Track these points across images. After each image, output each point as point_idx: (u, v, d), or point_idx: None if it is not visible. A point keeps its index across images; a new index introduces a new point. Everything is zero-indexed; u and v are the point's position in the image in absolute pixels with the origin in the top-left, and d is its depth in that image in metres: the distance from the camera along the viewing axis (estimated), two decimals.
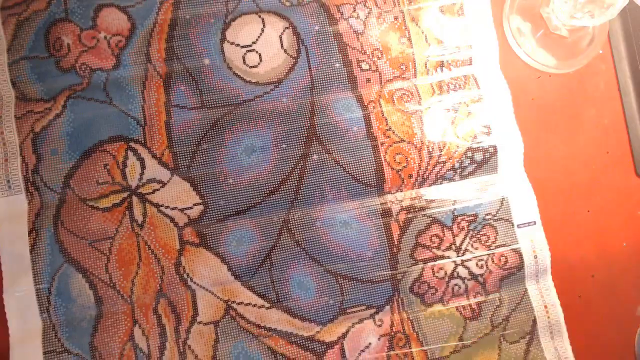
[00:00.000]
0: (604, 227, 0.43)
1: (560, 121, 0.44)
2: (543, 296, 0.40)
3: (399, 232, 0.40)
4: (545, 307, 0.40)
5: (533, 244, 0.41)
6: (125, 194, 0.38)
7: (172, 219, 0.38)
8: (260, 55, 0.40)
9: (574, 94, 0.45)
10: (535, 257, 0.41)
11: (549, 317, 0.40)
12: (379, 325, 0.39)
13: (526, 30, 0.44)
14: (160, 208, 0.38)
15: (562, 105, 0.44)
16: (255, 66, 0.40)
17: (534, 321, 0.40)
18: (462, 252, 0.40)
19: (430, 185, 0.41)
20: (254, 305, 0.38)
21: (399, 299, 0.39)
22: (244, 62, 0.40)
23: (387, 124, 0.41)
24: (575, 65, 0.44)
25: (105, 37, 0.39)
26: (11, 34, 0.39)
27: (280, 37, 0.41)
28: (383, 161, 0.40)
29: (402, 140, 0.41)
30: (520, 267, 0.41)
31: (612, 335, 0.41)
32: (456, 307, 0.40)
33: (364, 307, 0.39)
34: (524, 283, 0.40)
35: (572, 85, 0.45)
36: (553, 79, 0.44)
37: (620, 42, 0.45)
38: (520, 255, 0.41)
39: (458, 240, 0.40)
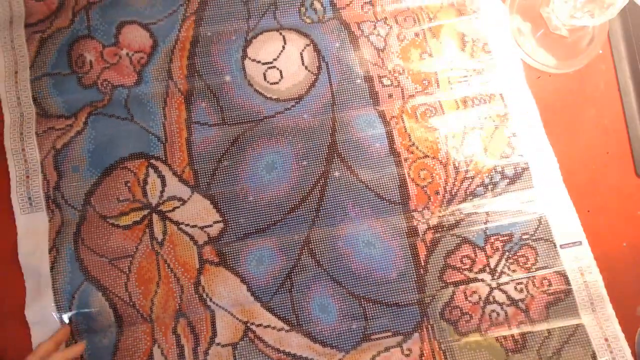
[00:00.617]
0: (604, 227, 0.42)
1: (560, 121, 0.43)
2: (602, 327, 0.38)
3: (425, 253, 0.38)
4: (607, 340, 0.37)
5: (580, 267, 0.39)
6: (145, 212, 0.38)
7: (192, 237, 0.38)
8: (281, 72, 0.40)
9: (574, 94, 0.44)
10: (585, 281, 0.38)
11: (611, 352, 0.37)
12: (407, 355, 0.37)
13: (526, 30, 0.44)
14: (181, 226, 0.38)
15: (562, 106, 0.43)
16: (276, 83, 0.40)
17: (594, 356, 0.37)
18: (497, 274, 0.38)
19: (460, 202, 0.39)
20: (274, 328, 0.37)
21: (429, 326, 0.37)
22: (265, 79, 0.40)
23: (410, 140, 0.40)
24: (575, 65, 0.44)
25: (127, 54, 0.39)
26: (34, 51, 0.39)
27: (301, 54, 0.40)
28: (407, 177, 0.39)
29: (427, 156, 0.40)
30: (568, 292, 0.38)
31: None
32: (496, 337, 0.37)
33: (390, 334, 0.37)
34: (577, 312, 0.38)
35: (572, 85, 0.44)
36: (553, 79, 0.44)
37: (620, 42, 0.45)
38: (566, 279, 0.38)
39: (492, 262, 0.39)
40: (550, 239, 0.39)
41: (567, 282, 0.39)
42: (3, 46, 0.39)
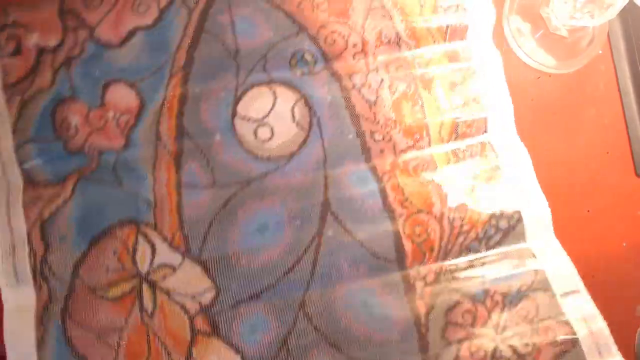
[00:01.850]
0: (604, 227, 0.41)
1: (560, 122, 0.43)
2: None
3: (425, 310, 0.37)
4: None
5: (583, 315, 0.38)
6: (135, 282, 0.37)
7: (183, 307, 0.36)
8: (272, 129, 0.40)
9: (574, 95, 0.44)
10: (591, 330, 0.37)
11: None
12: None
13: (526, 31, 0.44)
14: (171, 295, 0.36)
15: (561, 106, 0.43)
16: (267, 140, 0.39)
17: None
18: (501, 328, 0.37)
19: (454, 257, 0.39)
20: None
21: None
22: (256, 137, 0.39)
23: (404, 195, 0.39)
24: (575, 65, 0.43)
25: (114, 116, 0.39)
26: (16, 115, 0.38)
27: (292, 110, 0.40)
28: (402, 234, 0.38)
29: (421, 211, 0.39)
30: (575, 342, 0.37)
31: (612, 335, 0.38)
32: None
33: None
34: None
35: (571, 85, 0.44)
36: (553, 79, 0.44)
37: (620, 42, 0.45)
38: (571, 328, 0.37)
39: (494, 316, 0.37)
40: (549, 289, 0.38)
41: (572, 332, 0.37)
42: None
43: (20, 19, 0.38)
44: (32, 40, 0.38)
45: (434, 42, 0.42)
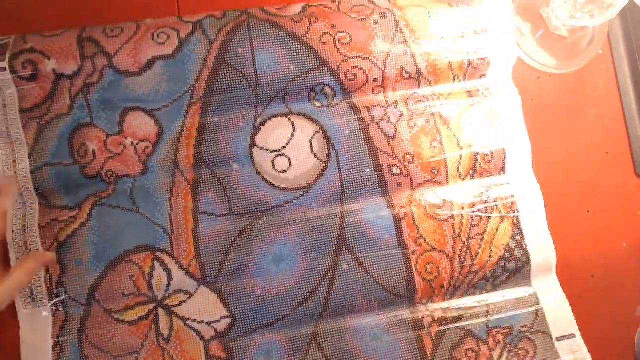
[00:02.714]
0: (604, 227, 0.42)
1: (560, 121, 0.43)
2: None
3: (432, 347, 0.39)
4: None
5: (576, 359, 0.40)
6: (151, 306, 0.37)
7: (198, 333, 0.37)
8: (290, 160, 0.40)
9: (574, 95, 0.45)
10: None
11: None
12: None
13: (526, 31, 0.44)
14: (187, 322, 0.37)
15: (562, 106, 0.44)
16: (285, 171, 0.39)
17: None
18: None
19: (462, 296, 0.40)
20: None
21: None
22: (274, 167, 0.39)
23: (418, 232, 0.40)
24: (575, 65, 0.44)
25: (132, 143, 0.38)
26: (33, 139, 0.37)
27: (311, 142, 0.40)
28: (414, 271, 0.39)
29: (434, 249, 0.40)
30: None
31: (612, 335, 0.40)
32: None
33: None
34: None
35: (572, 85, 0.45)
36: (553, 79, 0.44)
37: (620, 42, 0.45)
38: None
39: (495, 355, 0.39)
40: (547, 332, 0.40)
41: None
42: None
43: (38, 46, 0.37)
44: (50, 66, 0.37)
45: (455, 79, 0.42)
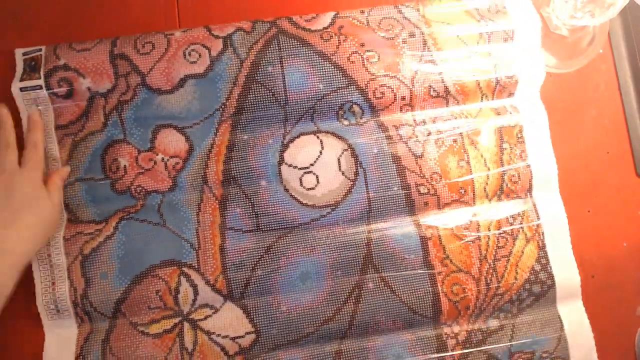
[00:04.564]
0: (604, 227, 0.42)
1: (560, 121, 0.43)
2: None
3: None
4: None
5: None
6: (176, 320, 0.37)
7: (222, 348, 0.37)
8: (317, 177, 0.40)
9: (574, 94, 0.44)
10: None
11: None
12: None
13: None
14: (212, 336, 0.37)
15: (562, 105, 0.44)
16: (313, 188, 0.39)
17: None
18: None
19: (487, 317, 0.40)
20: None
21: None
22: (301, 184, 0.39)
23: (444, 253, 0.40)
24: (575, 65, 0.44)
25: (162, 159, 0.38)
26: (67, 155, 0.38)
27: (339, 159, 0.40)
28: (440, 292, 0.39)
29: (460, 270, 0.39)
30: None
31: (612, 335, 0.40)
32: None
33: None
34: None
35: (572, 85, 0.44)
36: (553, 79, 0.44)
37: (621, 41, 0.45)
38: None
39: None
40: (567, 358, 0.40)
41: None
42: None
43: (71, 62, 0.37)
44: (85, 84, 0.37)
45: (483, 97, 0.42)
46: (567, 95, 0.42)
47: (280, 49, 0.39)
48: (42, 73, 0.37)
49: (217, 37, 0.39)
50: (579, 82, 0.44)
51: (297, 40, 0.40)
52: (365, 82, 0.40)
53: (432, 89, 0.41)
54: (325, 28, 0.40)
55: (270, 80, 0.39)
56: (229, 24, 0.40)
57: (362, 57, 0.40)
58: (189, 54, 0.38)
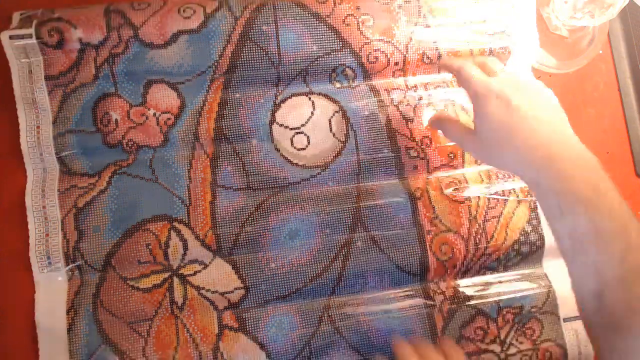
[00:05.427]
0: None
1: None
2: None
3: (442, 324, 0.39)
4: None
5: (578, 339, 0.40)
6: (166, 275, 0.38)
7: (212, 302, 0.38)
8: (308, 138, 0.40)
9: (574, 94, 0.45)
10: (580, 352, 0.40)
11: None
12: None
13: None
14: (201, 291, 0.38)
15: (562, 106, 0.43)
16: (303, 149, 0.40)
17: None
18: (506, 346, 0.40)
19: (474, 275, 0.40)
20: None
21: None
22: (292, 145, 0.40)
23: (434, 212, 0.40)
24: (575, 65, 0.44)
25: (154, 115, 0.39)
26: (57, 106, 0.38)
27: (330, 121, 0.40)
28: (428, 251, 0.40)
29: (449, 230, 0.40)
30: None
31: None
32: None
33: None
34: None
35: (572, 85, 0.45)
36: (553, 79, 0.44)
37: (621, 42, 0.45)
38: (565, 351, 0.40)
39: (503, 334, 0.40)
40: (556, 313, 0.41)
41: (565, 354, 0.40)
42: (24, 99, 0.38)
43: (64, 15, 0.37)
44: (76, 34, 0.37)
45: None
46: (566, 96, 0.43)
47: (276, 8, 0.39)
48: (34, 24, 0.36)
49: None
50: (579, 83, 0.44)
51: (293, 2, 0.40)
52: (360, 46, 0.40)
53: (425, 56, 0.41)
54: None
55: (264, 39, 0.39)
56: None
57: (357, 20, 0.40)
58: (184, 11, 0.38)
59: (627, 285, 0.27)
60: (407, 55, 0.41)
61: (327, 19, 0.40)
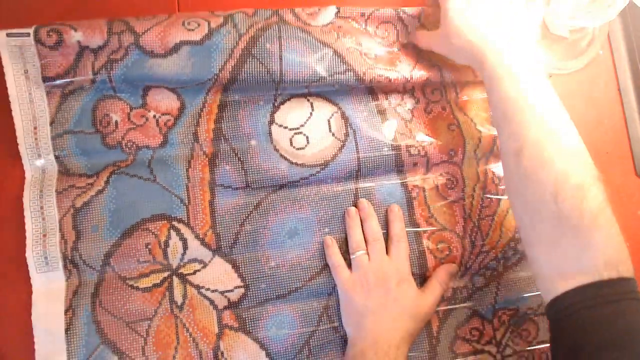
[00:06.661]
0: None
1: None
2: None
3: (438, 324, 0.40)
4: None
5: None
6: (165, 274, 0.38)
7: (212, 302, 0.38)
8: (307, 137, 0.40)
9: (574, 95, 0.45)
10: None
11: None
12: None
13: None
14: (201, 290, 0.38)
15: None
16: (302, 148, 0.40)
17: None
18: (502, 347, 0.40)
19: (472, 275, 0.41)
20: None
21: None
22: (291, 144, 0.40)
23: (429, 212, 0.41)
24: (575, 65, 0.44)
25: (154, 116, 0.39)
26: (55, 107, 0.38)
27: (329, 121, 0.41)
28: (425, 249, 0.40)
29: (445, 229, 0.41)
30: None
31: None
32: None
33: None
34: None
35: (572, 85, 0.45)
36: (553, 79, 0.44)
37: (620, 42, 0.46)
38: None
39: (498, 335, 0.40)
40: None
41: None
42: (20, 99, 0.37)
43: (66, 20, 0.37)
44: (75, 37, 0.36)
45: (475, 72, 0.42)
46: (566, 96, 0.42)
47: (280, 30, 0.38)
48: (33, 26, 0.36)
49: (218, 15, 0.38)
50: (579, 83, 0.44)
51: (298, 27, 0.39)
52: (364, 71, 0.39)
53: (429, 80, 0.41)
54: (324, 25, 0.40)
55: (267, 56, 0.38)
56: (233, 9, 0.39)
57: (360, 52, 0.39)
58: (188, 23, 0.37)
59: (542, 144, 0.32)
60: (412, 80, 0.40)
61: (331, 44, 0.39)
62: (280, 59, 0.38)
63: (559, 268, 0.30)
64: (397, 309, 0.36)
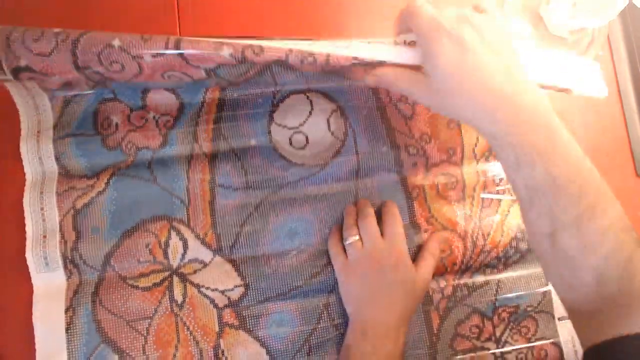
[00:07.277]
0: None
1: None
2: None
3: (438, 321, 0.40)
4: None
5: (573, 338, 0.41)
6: (166, 274, 0.38)
7: (212, 301, 0.38)
8: (307, 137, 0.40)
9: (574, 96, 0.44)
10: (576, 351, 0.41)
11: None
12: None
13: (525, 31, 0.44)
14: (201, 289, 0.38)
15: (562, 107, 0.44)
16: (302, 148, 0.40)
17: None
18: (501, 344, 0.40)
19: (473, 273, 0.41)
20: None
21: None
22: (291, 144, 0.40)
23: (430, 212, 0.41)
24: None
25: (154, 117, 0.39)
26: (59, 112, 0.37)
27: (328, 120, 0.40)
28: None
29: (445, 229, 0.41)
30: None
31: None
32: None
33: None
34: None
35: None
36: None
37: (620, 43, 0.46)
38: (560, 350, 0.41)
39: (498, 332, 0.40)
40: (551, 312, 0.41)
41: (561, 353, 0.41)
42: (25, 105, 0.37)
43: (35, 65, 0.31)
44: (56, 80, 0.33)
45: None
46: (566, 97, 0.42)
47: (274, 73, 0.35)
48: (6, 69, 0.32)
49: (197, 67, 0.33)
50: None
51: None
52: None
53: None
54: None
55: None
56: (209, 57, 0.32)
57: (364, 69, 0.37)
58: (168, 77, 0.34)
59: (580, 226, 0.28)
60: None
61: (330, 70, 0.36)
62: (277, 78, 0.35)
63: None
64: (393, 291, 0.35)
